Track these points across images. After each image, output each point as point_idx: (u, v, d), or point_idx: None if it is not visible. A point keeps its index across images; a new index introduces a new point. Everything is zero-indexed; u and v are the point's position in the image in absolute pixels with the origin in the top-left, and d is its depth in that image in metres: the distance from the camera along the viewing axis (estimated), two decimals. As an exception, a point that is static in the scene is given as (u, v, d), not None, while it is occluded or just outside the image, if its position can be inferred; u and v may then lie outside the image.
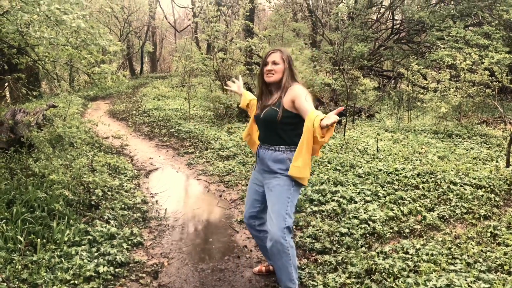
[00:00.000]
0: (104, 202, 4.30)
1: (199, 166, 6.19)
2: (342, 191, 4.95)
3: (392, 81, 15.28)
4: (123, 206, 4.29)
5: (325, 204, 4.69)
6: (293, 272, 2.64)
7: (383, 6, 17.77)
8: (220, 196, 5.05)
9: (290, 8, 20.76)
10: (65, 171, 3.89)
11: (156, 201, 4.75)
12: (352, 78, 12.40)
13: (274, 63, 2.63)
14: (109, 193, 4.55)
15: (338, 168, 5.82)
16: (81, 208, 4.08)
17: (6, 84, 8.18)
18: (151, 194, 5.02)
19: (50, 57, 4.67)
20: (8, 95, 16.64)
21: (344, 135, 7.54)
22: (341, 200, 4.72)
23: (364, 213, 4.38)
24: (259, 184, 2.85)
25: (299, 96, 2.51)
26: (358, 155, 6.54)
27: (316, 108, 10.00)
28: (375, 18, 18.58)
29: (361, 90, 9.33)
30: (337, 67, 14.70)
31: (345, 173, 5.65)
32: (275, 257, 2.58)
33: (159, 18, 25.62)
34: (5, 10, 3.27)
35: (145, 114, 9.68)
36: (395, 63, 16.38)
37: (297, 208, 4.58)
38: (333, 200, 4.75)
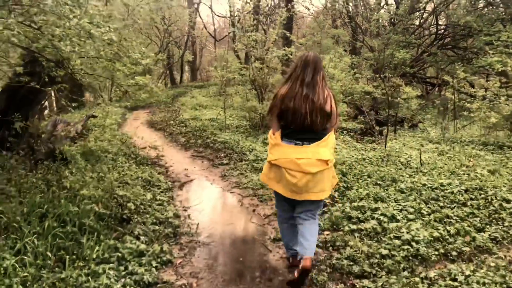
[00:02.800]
0: (136, 216, 4.24)
1: (233, 178, 6.07)
2: (383, 208, 4.66)
3: (436, 89, 14.62)
4: (154, 220, 4.22)
5: (364, 222, 4.42)
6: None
7: (426, 11, 17.10)
8: (254, 211, 4.89)
9: (329, 14, 20.45)
10: (97, 185, 3.86)
11: (189, 215, 4.65)
12: (393, 86, 11.96)
13: None
14: (142, 206, 4.50)
15: (378, 182, 5.52)
16: (113, 222, 4.03)
17: (48, 96, 8.43)
18: (183, 207, 4.93)
19: (86, 69, 4.70)
20: (54, 104, 17.38)
21: (385, 147, 7.20)
22: (381, 218, 4.43)
23: (407, 232, 4.09)
24: None
25: None
26: (401, 169, 6.20)
27: (356, 117, 9.54)
28: (417, 23, 17.92)
29: (404, 98, 8.92)
30: (378, 75, 14.26)
31: (386, 188, 5.34)
32: None
33: (198, 28, 26.05)
34: (39, 26, 3.29)
35: (182, 124, 9.73)
36: (439, 70, 15.69)
37: (334, 226, 4.36)
38: (373, 218, 4.48)
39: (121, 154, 6.53)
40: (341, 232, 4.18)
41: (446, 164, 6.35)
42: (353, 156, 6.64)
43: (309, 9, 23.85)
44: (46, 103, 18.76)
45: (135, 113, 13.65)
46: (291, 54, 8.53)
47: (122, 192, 3.91)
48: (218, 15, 26.72)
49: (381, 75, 9.25)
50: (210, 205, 5.13)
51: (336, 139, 6.44)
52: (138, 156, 6.69)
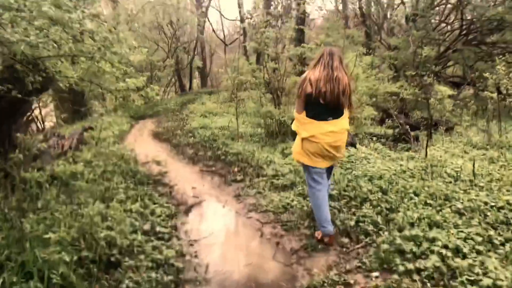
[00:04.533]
0: (127, 258, 3.28)
1: (249, 199, 5.08)
2: (442, 237, 3.64)
3: (466, 88, 13.47)
4: (151, 265, 3.24)
5: (422, 259, 3.42)
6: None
7: (449, 4, 15.93)
8: (277, 244, 3.89)
9: (341, 15, 19.46)
10: (73, 223, 2.91)
11: (195, 254, 3.67)
12: (421, 86, 10.87)
13: None
14: (136, 242, 3.53)
15: (428, 201, 4.47)
16: (96, 268, 3.09)
17: (35, 106, 7.56)
18: (189, 241, 3.95)
19: (66, 72, 3.77)
20: (53, 116, 16.56)
21: (425, 155, 6.13)
22: (443, 251, 3.42)
23: (484, 274, 3.07)
24: None
25: None
26: (450, 182, 5.14)
27: (383, 121, 8.54)
28: (439, 19, 16.78)
29: (438, 99, 7.87)
30: (406, 74, 13.17)
31: (439, 209, 4.31)
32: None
33: (208, 33, 25.23)
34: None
35: (190, 134, 8.76)
36: (465, 68, 14.56)
37: (384, 265, 3.35)
38: (432, 252, 3.46)
39: (118, 172, 5.59)
40: (395, 276, 3.17)
41: (503, 175, 5.29)
42: (390, 168, 5.60)
43: (321, 9, 22.93)
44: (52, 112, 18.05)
45: (142, 122, 12.75)
46: (310, 51, 7.53)
47: (105, 232, 2.94)
48: (227, 19, 25.88)
49: (417, 73, 8.19)
50: (222, 236, 4.14)
51: (365, 146, 6.78)
52: (137, 174, 5.73)
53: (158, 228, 3.98)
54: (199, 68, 25.06)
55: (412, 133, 7.13)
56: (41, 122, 13.02)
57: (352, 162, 5.90)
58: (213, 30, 23.79)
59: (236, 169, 6.12)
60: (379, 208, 4.35)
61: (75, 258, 2.96)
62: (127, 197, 4.66)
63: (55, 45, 3.22)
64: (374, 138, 7.43)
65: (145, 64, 13.44)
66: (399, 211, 4.28)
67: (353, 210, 4.40)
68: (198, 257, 3.62)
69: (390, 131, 7.94)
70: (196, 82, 30.24)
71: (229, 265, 3.51)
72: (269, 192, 5.17)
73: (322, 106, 3.47)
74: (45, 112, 18.47)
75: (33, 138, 6.12)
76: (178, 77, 23.19)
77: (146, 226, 3.88)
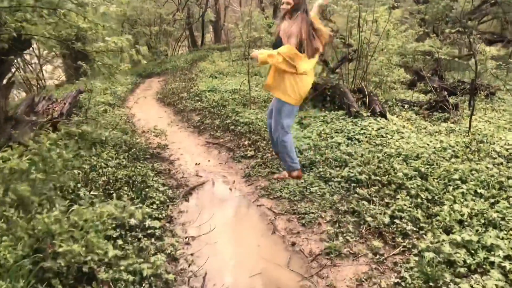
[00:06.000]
0: (104, 268, 2.58)
1: (261, 181, 4.32)
2: (504, 243, 2.87)
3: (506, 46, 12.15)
4: (132, 278, 2.54)
5: (478, 273, 2.67)
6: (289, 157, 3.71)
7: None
8: (293, 244, 3.15)
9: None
10: (24, 231, 2.20)
11: (192, 258, 2.95)
12: (456, 43, 9.70)
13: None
14: (110, 254, 2.81)
15: (479, 191, 3.65)
16: (66, 280, 2.41)
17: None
18: (186, 238, 3.25)
19: (30, 28, 2.95)
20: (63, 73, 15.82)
21: (469, 130, 5.22)
22: (507, 265, 2.66)
23: None
24: None
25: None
26: (501, 163, 4.28)
27: (414, 84, 7.82)
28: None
29: (481, 60, 6.80)
30: (434, 30, 11.90)
31: (493, 201, 3.49)
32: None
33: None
34: None
35: (197, 98, 7.91)
36: (504, 23, 13.16)
37: (430, 283, 2.60)
38: (491, 265, 2.71)
39: (110, 144, 4.87)
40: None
41: None
42: (428, 144, 4.74)
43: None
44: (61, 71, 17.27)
45: (148, 81, 11.90)
46: (335, 4, 6.47)
47: (64, 246, 2.21)
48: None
49: (458, 30, 7.09)
50: (226, 232, 3.41)
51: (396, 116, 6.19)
52: (133, 147, 4.99)
53: (148, 222, 3.26)
54: (212, 22, 23.69)
55: (451, 100, 6.17)
56: (39, 82, 12.22)
57: (382, 136, 5.03)
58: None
59: (246, 142, 5.33)
60: (418, 199, 3.55)
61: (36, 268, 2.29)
62: (116, 179, 3.94)
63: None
64: (406, 106, 6.49)
65: (126, 16, 12.20)
66: (443, 204, 3.48)
67: (386, 200, 3.61)
68: (195, 262, 2.91)
69: (424, 97, 6.97)
70: (210, 36, 28.89)
71: (232, 276, 2.81)
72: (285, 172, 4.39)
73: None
74: (52, 68, 17.72)
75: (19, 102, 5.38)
76: (190, 31, 21.95)
77: (133, 221, 3.16)
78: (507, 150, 4.63)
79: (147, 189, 3.87)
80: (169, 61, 15.08)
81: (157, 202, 3.70)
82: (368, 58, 6.51)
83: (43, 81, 12.65)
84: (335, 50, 8.32)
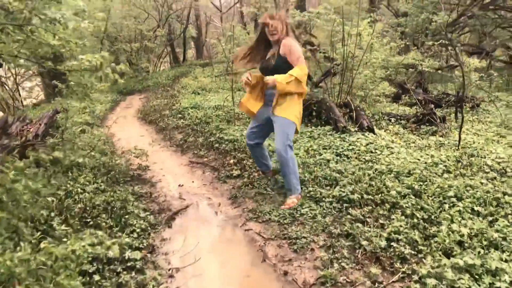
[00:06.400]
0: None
1: (248, 203, 4.10)
2: (508, 267, 2.71)
3: (483, 58, 12.32)
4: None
5: (485, 303, 2.49)
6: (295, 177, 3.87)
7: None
8: (285, 274, 2.93)
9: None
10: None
11: (176, 294, 2.71)
12: (437, 56, 9.76)
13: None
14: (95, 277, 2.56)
15: (476, 209, 3.51)
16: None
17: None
18: (169, 270, 3.00)
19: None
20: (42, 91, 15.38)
21: (459, 144, 5.12)
22: (514, 292, 2.50)
23: None
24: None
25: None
26: (495, 178, 4.18)
27: (398, 97, 7.86)
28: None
29: (465, 72, 6.78)
30: (414, 43, 12.02)
31: (491, 218, 3.36)
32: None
33: (202, 0, 23.64)
34: None
35: (180, 115, 7.68)
36: (482, 35, 13.38)
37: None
38: (498, 294, 2.54)
39: (88, 167, 4.60)
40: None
41: (558, 168, 4.33)
42: (419, 160, 4.61)
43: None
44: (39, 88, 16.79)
45: (129, 98, 11.64)
46: (318, 18, 6.38)
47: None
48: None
49: (442, 42, 7.07)
50: (213, 263, 3.17)
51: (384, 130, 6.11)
52: (112, 169, 4.73)
53: (127, 253, 3.01)
54: (193, 38, 23.61)
55: (438, 113, 6.09)
56: (15, 102, 11.82)
57: (372, 152, 4.89)
58: (208, -3, 22.27)
59: (232, 161, 5.12)
60: (414, 219, 3.39)
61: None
62: (93, 206, 3.68)
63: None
64: (393, 120, 6.39)
65: (102, 33, 11.95)
66: (441, 224, 3.32)
67: (380, 221, 3.44)
68: (179, 299, 2.67)
69: (410, 110, 6.90)
70: (192, 52, 28.79)
71: (221, 312, 2.58)
72: (274, 193, 4.19)
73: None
74: (30, 87, 17.24)
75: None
76: (171, 48, 21.80)
77: (111, 253, 2.90)
78: (499, 163, 4.53)
79: (127, 216, 3.62)
80: (150, 77, 14.85)
81: (138, 230, 3.45)
82: (353, 72, 6.41)
83: (19, 100, 12.24)
84: (318, 64, 8.25)
